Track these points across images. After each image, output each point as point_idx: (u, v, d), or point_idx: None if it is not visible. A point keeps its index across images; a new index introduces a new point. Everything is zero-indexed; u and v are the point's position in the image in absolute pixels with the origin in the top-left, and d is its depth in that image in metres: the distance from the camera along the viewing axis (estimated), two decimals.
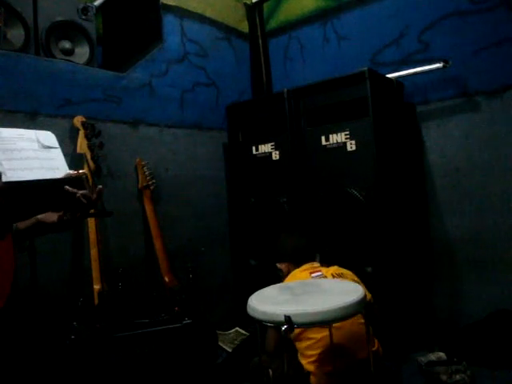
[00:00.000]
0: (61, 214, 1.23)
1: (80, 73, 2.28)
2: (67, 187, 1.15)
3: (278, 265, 2.03)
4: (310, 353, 1.67)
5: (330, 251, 2.30)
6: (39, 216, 1.25)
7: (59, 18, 2.24)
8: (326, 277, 1.82)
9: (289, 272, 1.96)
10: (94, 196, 1.22)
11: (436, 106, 2.46)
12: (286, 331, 1.31)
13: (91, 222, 2.11)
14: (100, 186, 1.28)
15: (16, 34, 2.10)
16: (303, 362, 1.70)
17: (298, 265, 1.95)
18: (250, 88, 3.31)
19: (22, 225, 1.23)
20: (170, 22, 2.74)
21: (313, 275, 1.83)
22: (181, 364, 1.95)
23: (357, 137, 2.24)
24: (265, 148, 2.67)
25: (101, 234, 2.15)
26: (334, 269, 1.89)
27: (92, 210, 1.29)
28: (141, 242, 2.48)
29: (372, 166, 2.17)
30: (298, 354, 1.73)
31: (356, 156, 2.25)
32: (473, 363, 1.97)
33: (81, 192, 1.17)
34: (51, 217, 1.24)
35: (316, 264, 1.96)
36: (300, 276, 1.87)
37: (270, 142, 2.64)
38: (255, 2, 3.32)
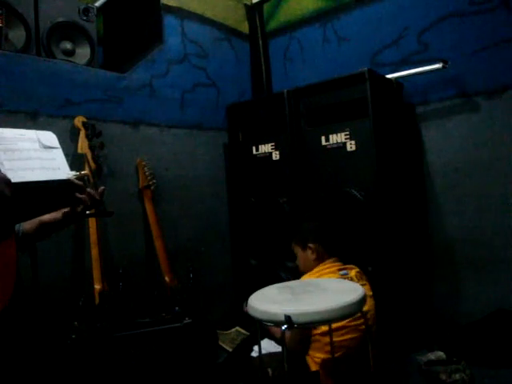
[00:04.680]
0: (66, 210, 1.25)
1: (81, 73, 2.28)
2: (76, 181, 1.18)
3: (311, 245, 1.95)
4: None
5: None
6: (41, 218, 1.26)
7: (60, 19, 2.24)
8: (351, 277, 1.81)
9: (318, 255, 1.93)
10: (97, 196, 1.25)
11: (435, 107, 2.47)
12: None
13: (92, 222, 2.11)
14: (102, 187, 1.30)
15: (17, 35, 2.11)
16: (320, 355, 1.73)
17: (327, 250, 1.94)
18: (250, 88, 3.32)
19: (27, 227, 1.24)
20: (170, 23, 2.74)
21: (340, 273, 1.83)
22: (181, 363, 1.95)
23: (357, 137, 2.24)
24: (265, 148, 2.68)
25: (101, 234, 2.16)
26: (356, 270, 1.89)
27: (93, 210, 1.31)
28: (141, 242, 2.48)
29: (372, 166, 2.17)
30: (314, 349, 1.76)
31: (356, 156, 2.25)
32: (472, 362, 1.98)
33: (89, 190, 1.21)
34: (55, 215, 1.26)
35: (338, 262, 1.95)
36: (327, 273, 1.85)
37: (270, 142, 2.64)
38: (255, 3, 3.33)
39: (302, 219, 2.32)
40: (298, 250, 2.02)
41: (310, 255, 1.96)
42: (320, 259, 1.94)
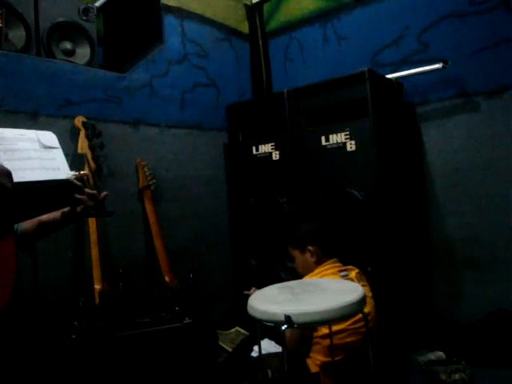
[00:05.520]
0: (66, 210, 1.25)
1: (81, 73, 2.28)
2: (75, 181, 1.19)
3: (311, 247, 1.92)
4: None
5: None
6: (40, 217, 1.26)
7: (60, 19, 2.24)
8: (351, 279, 1.80)
9: (317, 258, 1.91)
10: (98, 196, 1.26)
11: (435, 107, 2.47)
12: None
13: (92, 222, 2.12)
14: (105, 193, 1.31)
15: (17, 35, 2.11)
16: (321, 357, 1.72)
17: (326, 253, 1.91)
18: (250, 88, 3.31)
19: (26, 226, 1.24)
20: (170, 23, 2.74)
21: (341, 274, 1.81)
22: (181, 363, 1.95)
23: (357, 137, 2.24)
24: (265, 148, 2.68)
25: (102, 234, 2.16)
26: (356, 270, 1.88)
27: (92, 211, 1.31)
28: (141, 242, 2.48)
29: (372, 166, 2.17)
30: (315, 352, 1.75)
31: (356, 156, 2.25)
32: (472, 362, 1.98)
33: (88, 191, 1.22)
34: (54, 215, 1.26)
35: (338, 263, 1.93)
36: (329, 275, 1.83)
37: (270, 142, 2.64)
38: (255, 3, 3.33)
39: (299, 221, 2.30)
40: (297, 254, 1.98)
41: (309, 258, 1.92)
42: (319, 262, 1.91)
